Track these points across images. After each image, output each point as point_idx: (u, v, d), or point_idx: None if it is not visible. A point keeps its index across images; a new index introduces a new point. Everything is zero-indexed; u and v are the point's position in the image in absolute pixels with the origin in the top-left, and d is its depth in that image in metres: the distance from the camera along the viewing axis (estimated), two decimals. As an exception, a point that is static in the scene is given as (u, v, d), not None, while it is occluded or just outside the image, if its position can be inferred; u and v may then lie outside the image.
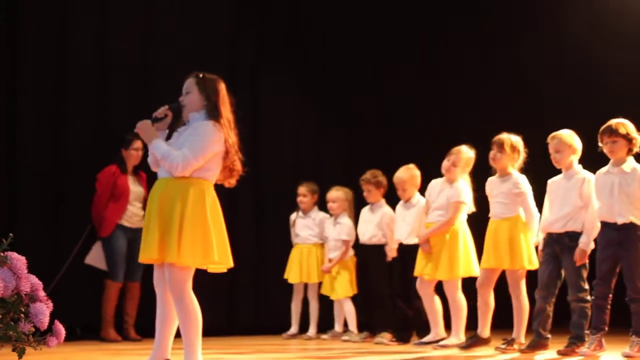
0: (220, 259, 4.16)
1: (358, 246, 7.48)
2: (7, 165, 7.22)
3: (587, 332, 5.50)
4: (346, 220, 7.55)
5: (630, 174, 5.34)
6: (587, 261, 5.55)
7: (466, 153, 6.47)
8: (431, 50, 9.61)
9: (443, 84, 9.45)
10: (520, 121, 7.68)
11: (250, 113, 8.60)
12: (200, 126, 4.15)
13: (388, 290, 7.15)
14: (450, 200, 6.39)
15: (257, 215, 8.56)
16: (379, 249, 7.21)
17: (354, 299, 7.56)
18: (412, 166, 6.99)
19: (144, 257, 4.16)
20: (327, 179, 8.38)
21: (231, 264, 4.25)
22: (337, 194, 7.59)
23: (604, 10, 8.74)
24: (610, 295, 5.41)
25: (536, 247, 5.95)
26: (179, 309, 4.12)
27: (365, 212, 7.43)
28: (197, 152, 4.08)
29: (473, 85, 9.35)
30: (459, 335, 6.39)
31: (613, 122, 5.42)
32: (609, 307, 5.42)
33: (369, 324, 7.37)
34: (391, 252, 7.12)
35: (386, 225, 7.19)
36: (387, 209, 7.29)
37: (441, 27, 9.58)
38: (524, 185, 6.02)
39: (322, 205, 7.86)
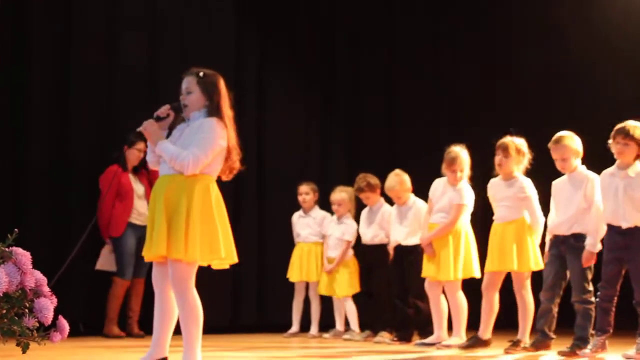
0: (226, 254, 4.16)
1: (360, 247, 7.49)
2: (12, 162, 7.26)
3: (592, 332, 5.51)
4: (351, 222, 7.57)
5: (635, 178, 5.31)
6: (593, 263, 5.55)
7: (461, 153, 6.42)
8: (438, 51, 9.64)
9: (450, 84, 9.48)
10: (527, 122, 7.70)
11: (256, 112, 8.65)
12: (204, 123, 4.15)
13: (388, 289, 7.17)
14: (452, 203, 6.40)
15: (261, 213, 8.58)
16: (382, 248, 7.20)
17: (355, 298, 7.58)
18: (398, 171, 7.01)
19: (152, 255, 4.13)
20: (331, 177, 8.41)
21: (236, 260, 4.25)
22: (341, 196, 7.60)
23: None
24: (616, 298, 5.41)
25: (541, 247, 5.97)
26: (181, 306, 4.11)
27: (365, 213, 7.44)
28: (206, 149, 4.09)
29: (480, 86, 9.38)
30: (461, 334, 6.40)
31: (630, 124, 5.36)
32: (613, 309, 5.41)
33: (371, 324, 7.38)
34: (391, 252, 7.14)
35: (387, 223, 7.20)
36: (386, 207, 7.30)
37: (448, 26, 9.60)
38: (530, 189, 6.01)
39: (324, 204, 7.88)
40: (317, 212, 7.88)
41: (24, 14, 7.34)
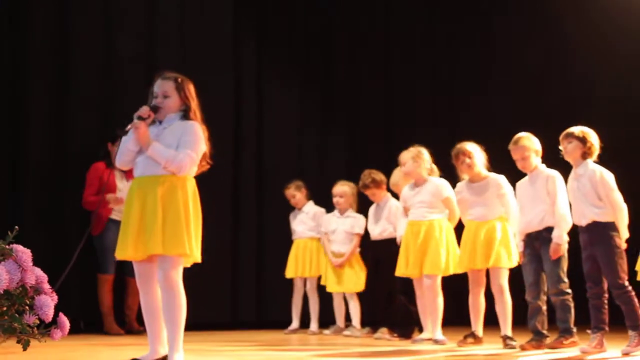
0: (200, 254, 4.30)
1: (369, 243, 7.48)
2: (12, 159, 7.28)
3: (588, 331, 5.52)
4: (358, 215, 7.58)
5: (583, 175, 5.46)
6: (565, 254, 5.66)
7: (413, 153, 6.51)
8: (435, 50, 9.67)
9: (447, 81, 9.50)
10: (526, 122, 7.73)
11: (255, 110, 8.66)
12: (188, 126, 4.27)
13: (394, 284, 7.17)
14: (442, 197, 6.42)
15: (260, 211, 8.60)
16: (391, 242, 7.14)
17: (359, 295, 7.59)
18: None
19: (143, 254, 4.16)
20: (330, 176, 8.41)
21: (199, 260, 4.31)
22: (343, 189, 7.61)
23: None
24: (606, 295, 5.45)
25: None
26: (172, 299, 4.17)
27: (372, 210, 7.43)
28: (197, 151, 4.24)
29: (475, 86, 9.41)
30: (439, 329, 6.41)
31: (572, 128, 5.53)
32: (605, 306, 5.45)
33: (371, 320, 7.38)
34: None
35: (395, 217, 7.19)
36: (393, 201, 7.30)
37: (445, 26, 9.64)
38: (505, 185, 6.14)
39: (326, 204, 7.88)
40: (310, 207, 7.91)
41: (24, 13, 7.35)
